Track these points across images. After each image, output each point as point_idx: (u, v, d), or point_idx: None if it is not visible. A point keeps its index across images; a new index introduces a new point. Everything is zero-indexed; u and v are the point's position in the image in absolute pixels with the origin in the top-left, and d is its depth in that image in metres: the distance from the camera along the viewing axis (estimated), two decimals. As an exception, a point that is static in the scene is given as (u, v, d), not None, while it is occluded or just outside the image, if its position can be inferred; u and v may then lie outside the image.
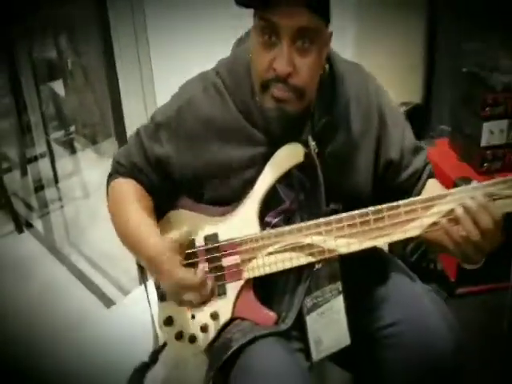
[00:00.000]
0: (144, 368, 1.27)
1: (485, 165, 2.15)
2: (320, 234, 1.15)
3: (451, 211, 1.10)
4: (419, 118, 2.57)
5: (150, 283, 1.28)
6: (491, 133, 2.10)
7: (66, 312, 2.22)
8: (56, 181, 3.06)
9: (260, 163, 1.19)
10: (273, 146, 1.18)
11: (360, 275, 1.26)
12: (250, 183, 1.20)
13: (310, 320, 1.19)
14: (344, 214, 1.15)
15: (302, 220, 1.19)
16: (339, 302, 1.21)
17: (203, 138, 1.21)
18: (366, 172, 1.24)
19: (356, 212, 1.14)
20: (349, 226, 1.14)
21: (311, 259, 1.16)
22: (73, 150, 3.28)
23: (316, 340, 1.20)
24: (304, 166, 1.17)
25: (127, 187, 1.27)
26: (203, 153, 1.21)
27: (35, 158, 3.14)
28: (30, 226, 2.94)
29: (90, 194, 3.01)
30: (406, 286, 1.25)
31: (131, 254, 1.22)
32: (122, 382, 1.30)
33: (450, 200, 1.11)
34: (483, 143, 2.12)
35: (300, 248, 1.16)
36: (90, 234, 2.75)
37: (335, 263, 1.19)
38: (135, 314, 1.52)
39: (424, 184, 1.28)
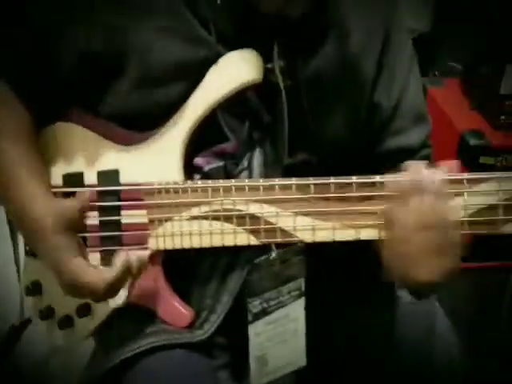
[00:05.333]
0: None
1: (502, 117, 1.74)
2: (274, 202, 0.74)
3: None
4: (425, 50, 2.13)
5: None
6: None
7: None
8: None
9: (197, 73, 0.79)
10: (222, 49, 0.78)
11: (325, 272, 0.91)
12: (176, 102, 0.80)
13: (254, 330, 0.84)
14: (321, 180, 0.73)
15: (252, 172, 0.81)
16: (299, 308, 0.86)
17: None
18: (354, 112, 0.85)
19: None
20: (323, 199, 0.72)
21: (253, 240, 0.77)
22: None
23: (259, 358, 0.85)
24: (263, 91, 0.79)
25: None
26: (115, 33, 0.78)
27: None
28: None
29: None
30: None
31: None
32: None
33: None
34: (503, 90, 1.72)
35: (239, 219, 0.77)
36: None
37: (299, 253, 0.83)
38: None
39: None
